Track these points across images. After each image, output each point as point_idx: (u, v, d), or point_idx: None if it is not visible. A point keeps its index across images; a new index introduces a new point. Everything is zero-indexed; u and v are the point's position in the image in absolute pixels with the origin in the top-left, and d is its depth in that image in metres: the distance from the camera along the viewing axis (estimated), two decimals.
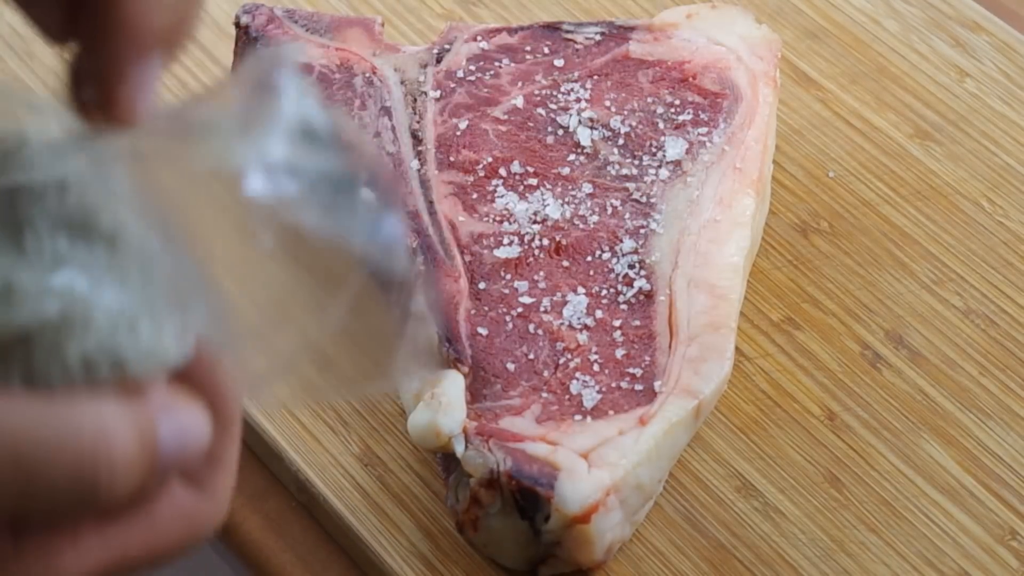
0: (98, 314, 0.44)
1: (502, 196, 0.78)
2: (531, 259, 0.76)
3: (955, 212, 0.85)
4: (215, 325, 0.47)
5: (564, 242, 0.76)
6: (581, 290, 0.75)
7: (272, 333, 0.49)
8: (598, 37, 0.85)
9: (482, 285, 0.74)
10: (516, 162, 0.79)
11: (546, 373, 0.72)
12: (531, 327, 0.73)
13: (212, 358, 0.48)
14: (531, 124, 0.81)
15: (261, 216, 0.47)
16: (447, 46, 0.84)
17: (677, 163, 0.79)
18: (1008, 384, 0.78)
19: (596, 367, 0.72)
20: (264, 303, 0.49)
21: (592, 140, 0.80)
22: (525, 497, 0.67)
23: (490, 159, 0.79)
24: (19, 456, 0.42)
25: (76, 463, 0.43)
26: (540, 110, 0.81)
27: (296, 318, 0.48)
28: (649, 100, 0.82)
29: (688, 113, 0.81)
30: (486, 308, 0.74)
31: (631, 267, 0.75)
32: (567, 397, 0.71)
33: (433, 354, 0.71)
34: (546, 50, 0.84)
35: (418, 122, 0.81)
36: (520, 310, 0.74)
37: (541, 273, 0.75)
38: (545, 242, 0.76)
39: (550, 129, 0.81)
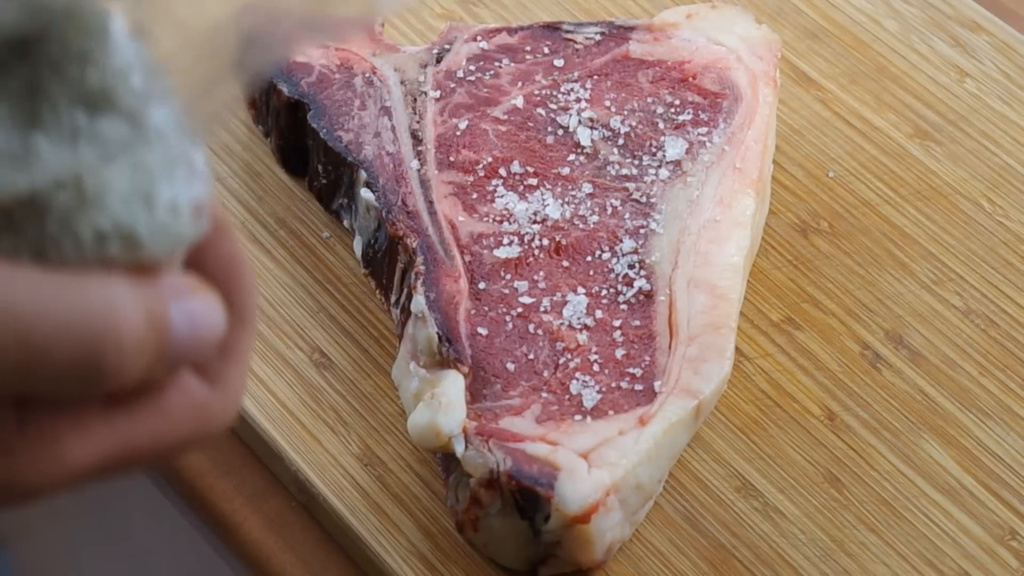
0: (113, 188, 0.43)
1: (502, 196, 0.78)
2: (531, 259, 0.76)
3: (955, 212, 0.85)
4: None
5: (564, 242, 0.76)
6: (581, 290, 0.75)
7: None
8: (598, 37, 0.85)
9: (482, 285, 0.74)
10: (516, 162, 0.79)
11: (546, 373, 0.72)
12: (531, 327, 0.73)
13: (230, 249, 0.47)
14: (531, 124, 0.81)
15: None
16: (447, 46, 0.84)
17: (677, 163, 0.79)
18: (1008, 384, 0.78)
19: (596, 367, 0.72)
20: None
21: (592, 140, 0.80)
22: (525, 497, 0.67)
23: (490, 159, 0.79)
24: (23, 331, 0.41)
25: (82, 341, 0.42)
26: (540, 110, 0.81)
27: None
28: (649, 100, 0.82)
29: (688, 113, 0.81)
30: (486, 308, 0.74)
31: (631, 267, 0.75)
32: (567, 397, 0.71)
33: (433, 354, 0.71)
34: (546, 50, 0.84)
35: (418, 122, 0.81)
36: (520, 310, 0.74)
37: (541, 273, 0.75)
38: (545, 242, 0.76)
39: (550, 129, 0.81)
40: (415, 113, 0.81)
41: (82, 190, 0.43)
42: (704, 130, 0.81)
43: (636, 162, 0.79)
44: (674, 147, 0.80)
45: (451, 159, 0.79)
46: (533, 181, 0.78)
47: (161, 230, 0.44)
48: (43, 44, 0.43)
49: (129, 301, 0.43)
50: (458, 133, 0.80)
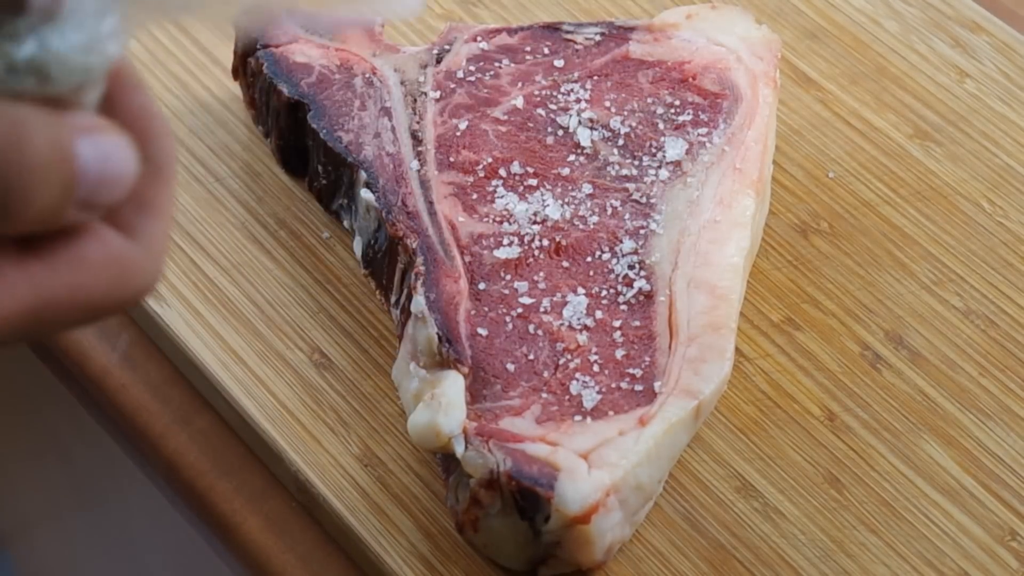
0: (24, 23, 0.43)
1: (502, 196, 0.78)
2: (531, 259, 0.76)
3: (955, 212, 0.85)
4: None
5: (564, 242, 0.76)
6: (581, 290, 0.75)
7: None
8: (598, 37, 0.85)
9: (482, 286, 0.74)
10: (516, 162, 0.79)
11: (546, 373, 0.72)
12: (531, 328, 0.73)
13: (141, 100, 0.46)
14: (531, 124, 0.81)
15: None
16: (447, 46, 0.84)
17: (677, 163, 0.79)
18: (1008, 384, 0.78)
19: (596, 368, 0.72)
20: None
21: (592, 140, 0.80)
22: (525, 497, 0.67)
23: (490, 159, 0.79)
24: None
25: None
26: (540, 110, 0.81)
27: None
28: (649, 100, 0.82)
29: (688, 113, 0.81)
30: (486, 308, 0.74)
31: (631, 267, 0.75)
32: (567, 397, 0.71)
33: (433, 354, 0.71)
34: (546, 50, 0.84)
35: (418, 122, 0.81)
36: (520, 311, 0.74)
37: (541, 274, 0.75)
38: (545, 242, 0.76)
39: (550, 129, 0.81)
40: (415, 113, 0.81)
41: None
42: (704, 130, 0.81)
43: (636, 162, 0.79)
44: (674, 147, 0.80)
45: (451, 159, 0.79)
46: (533, 182, 0.78)
47: (71, 62, 0.43)
48: None
49: (34, 124, 0.42)
50: (458, 133, 0.80)
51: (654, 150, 0.80)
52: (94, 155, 0.43)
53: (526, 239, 0.76)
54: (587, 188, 0.78)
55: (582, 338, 0.73)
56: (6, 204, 0.41)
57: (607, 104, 0.82)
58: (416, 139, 0.80)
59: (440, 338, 0.71)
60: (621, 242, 0.76)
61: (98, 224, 0.45)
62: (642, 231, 0.77)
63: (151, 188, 0.46)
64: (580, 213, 0.77)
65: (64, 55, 0.43)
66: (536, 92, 0.82)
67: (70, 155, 0.43)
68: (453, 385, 0.70)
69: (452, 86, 0.82)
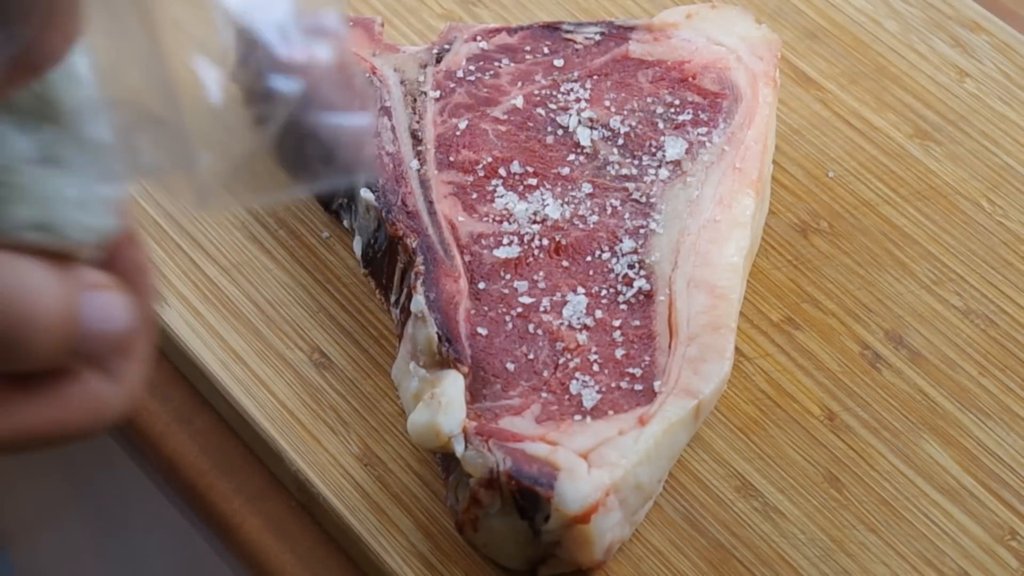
0: (41, 184, 0.46)
1: (502, 196, 0.78)
2: (531, 259, 0.76)
3: (955, 212, 0.85)
4: (167, 143, 0.48)
5: (564, 242, 0.76)
6: (581, 290, 0.75)
7: (219, 141, 0.49)
8: (598, 37, 0.85)
9: (482, 285, 0.74)
10: (516, 162, 0.79)
11: (546, 373, 0.72)
12: (531, 327, 0.73)
13: (138, 256, 0.49)
14: (531, 124, 0.81)
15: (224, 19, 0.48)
16: (447, 46, 0.84)
17: (677, 163, 0.79)
18: (1008, 384, 0.78)
19: (596, 367, 0.72)
20: (209, 112, 0.50)
21: (592, 140, 0.80)
22: (525, 497, 0.67)
23: (490, 159, 0.79)
24: None
25: (1, 314, 0.44)
26: (540, 110, 0.81)
27: (237, 129, 0.50)
28: (649, 100, 0.82)
29: (688, 113, 0.81)
30: (486, 308, 0.74)
31: (631, 267, 0.75)
32: (567, 397, 0.71)
33: (433, 354, 0.71)
34: (546, 50, 0.84)
35: (418, 122, 0.81)
36: (520, 310, 0.74)
37: (541, 273, 0.75)
38: (545, 242, 0.76)
39: (550, 129, 0.81)
40: (415, 113, 0.81)
41: (11, 182, 0.45)
42: (704, 130, 0.81)
43: (636, 162, 0.79)
44: (674, 147, 0.80)
45: (451, 159, 0.79)
46: (533, 181, 0.78)
47: (80, 224, 0.47)
48: None
49: (47, 283, 0.45)
50: (458, 133, 0.80)
51: (654, 150, 0.80)
52: (96, 314, 0.47)
53: (526, 238, 0.76)
54: (587, 187, 0.78)
55: (582, 337, 0.73)
56: (9, 353, 0.45)
57: (607, 104, 0.82)
58: (416, 138, 0.80)
59: (440, 337, 0.71)
60: (621, 241, 0.76)
61: (82, 365, 0.48)
62: (642, 231, 0.77)
63: (135, 337, 0.49)
64: (580, 212, 0.77)
65: (73, 219, 0.46)
66: (536, 92, 0.82)
67: (76, 315, 0.46)
68: (453, 385, 0.70)
69: (452, 85, 0.82)
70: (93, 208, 0.47)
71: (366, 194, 0.78)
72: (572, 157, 0.80)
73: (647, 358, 0.72)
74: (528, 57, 0.84)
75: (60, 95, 0.46)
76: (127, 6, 0.47)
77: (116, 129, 0.48)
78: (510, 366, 0.72)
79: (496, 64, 0.83)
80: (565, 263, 0.76)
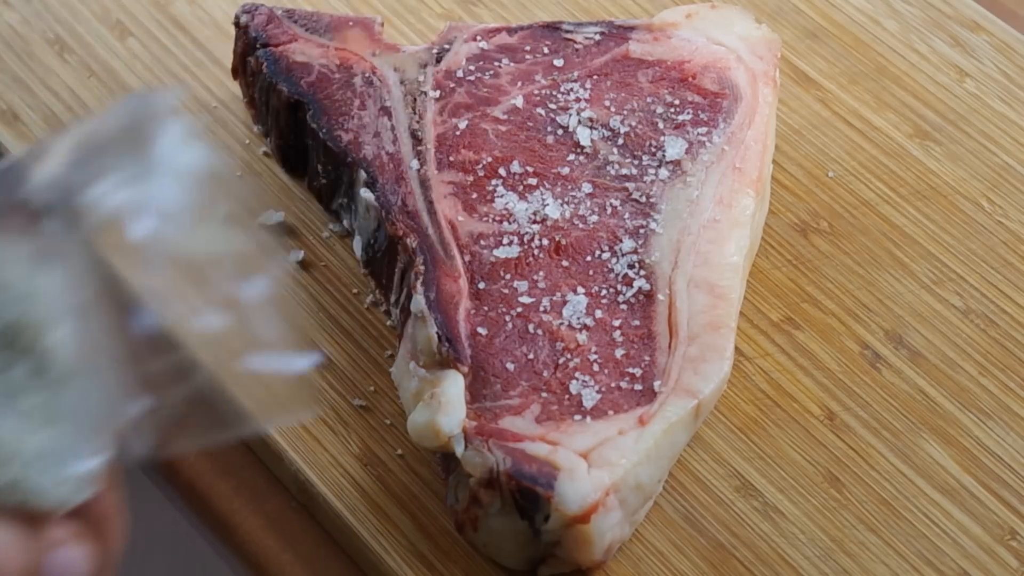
0: (22, 453, 0.49)
1: (502, 196, 0.78)
2: (531, 259, 0.76)
3: (955, 212, 0.85)
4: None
5: (564, 242, 0.76)
6: (581, 290, 0.75)
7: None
8: (598, 37, 0.85)
9: (482, 285, 0.74)
10: (516, 162, 0.79)
11: (546, 373, 0.72)
12: (531, 327, 0.73)
13: (107, 508, 0.53)
14: (531, 124, 0.81)
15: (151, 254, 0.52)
16: (447, 46, 0.84)
17: (677, 163, 0.79)
18: (1008, 384, 0.78)
19: (596, 367, 0.72)
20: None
21: (592, 140, 0.80)
22: (525, 497, 0.67)
23: (490, 159, 0.79)
24: None
25: None
26: (540, 110, 0.81)
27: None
28: (649, 100, 0.82)
29: (688, 113, 0.81)
30: (486, 308, 0.74)
31: (631, 267, 0.75)
32: (567, 397, 0.71)
33: (433, 354, 0.71)
34: (546, 50, 0.84)
35: (418, 122, 0.81)
36: (520, 310, 0.74)
37: (541, 273, 0.75)
38: (545, 242, 0.76)
39: (550, 129, 0.81)
40: (415, 113, 0.81)
41: None
42: (704, 130, 0.81)
43: (636, 162, 0.79)
44: (674, 147, 0.80)
45: (451, 159, 0.79)
46: (533, 181, 0.78)
47: (56, 492, 0.50)
48: None
49: (15, 549, 0.49)
50: (458, 133, 0.80)
51: (654, 149, 0.80)
52: (58, 569, 0.51)
53: (526, 238, 0.76)
54: (587, 187, 0.78)
55: (582, 337, 0.73)
56: None
57: (607, 103, 0.82)
58: (416, 138, 0.80)
59: (440, 337, 0.71)
60: (621, 241, 0.76)
61: None
62: (642, 230, 0.77)
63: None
64: (580, 212, 0.77)
65: (45, 491, 0.50)
66: (536, 91, 0.82)
67: (38, 573, 0.50)
68: (453, 384, 0.70)
69: (452, 85, 0.82)
70: (70, 476, 0.50)
71: (366, 194, 0.78)
72: (572, 157, 0.80)
73: (647, 358, 0.72)
74: (528, 57, 0.84)
75: (41, 360, 0.49)
76: None
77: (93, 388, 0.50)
78: (510, 366, 0.72)
79: (496, 64, 0.83)
80: (565, 263, 0.76)
